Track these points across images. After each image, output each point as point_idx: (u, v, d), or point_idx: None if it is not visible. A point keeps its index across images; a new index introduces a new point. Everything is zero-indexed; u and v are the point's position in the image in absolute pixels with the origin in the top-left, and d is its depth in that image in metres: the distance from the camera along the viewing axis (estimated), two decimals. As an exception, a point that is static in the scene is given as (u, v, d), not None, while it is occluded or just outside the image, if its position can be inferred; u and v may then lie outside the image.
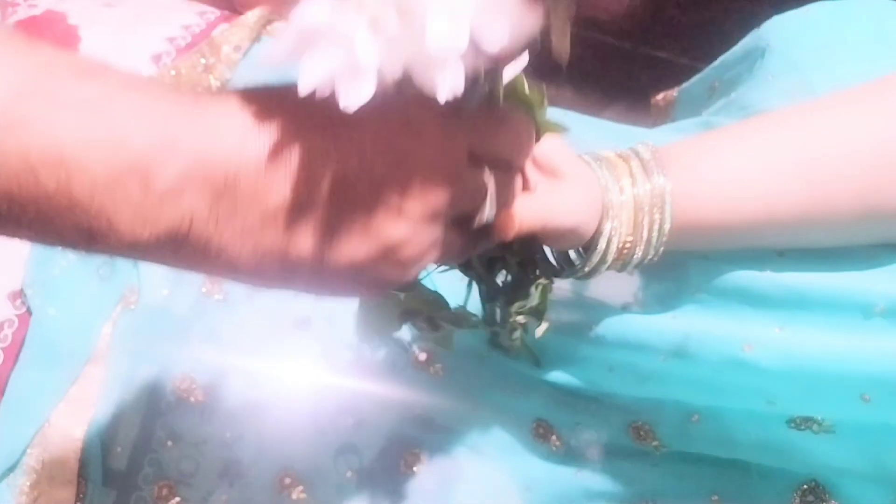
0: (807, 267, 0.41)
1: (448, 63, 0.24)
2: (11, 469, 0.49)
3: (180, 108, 0.27)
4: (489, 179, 0.31)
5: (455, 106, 0.26)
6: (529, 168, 0.35)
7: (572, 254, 0.42)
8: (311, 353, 0.52)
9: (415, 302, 0.40)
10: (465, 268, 0.41)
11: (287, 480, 0.50)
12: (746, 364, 0.40)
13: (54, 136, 0.24)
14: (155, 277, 0.53)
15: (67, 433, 0.50)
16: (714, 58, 0.62)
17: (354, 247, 0.28)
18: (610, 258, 0.40)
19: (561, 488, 0.49)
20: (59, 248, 0.27)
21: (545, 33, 0.31)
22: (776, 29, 0.54)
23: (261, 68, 0.32)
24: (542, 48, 0.33)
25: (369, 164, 0.27)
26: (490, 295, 0.42)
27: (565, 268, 0.42)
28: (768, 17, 0.55)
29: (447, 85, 0.25)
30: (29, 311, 0.52)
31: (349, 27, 0.24)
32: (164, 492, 0.49)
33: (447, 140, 0.29)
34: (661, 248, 0.40)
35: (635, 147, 0.41)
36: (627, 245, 0.40)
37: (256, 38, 0.63)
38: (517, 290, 0.41)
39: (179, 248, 0.27)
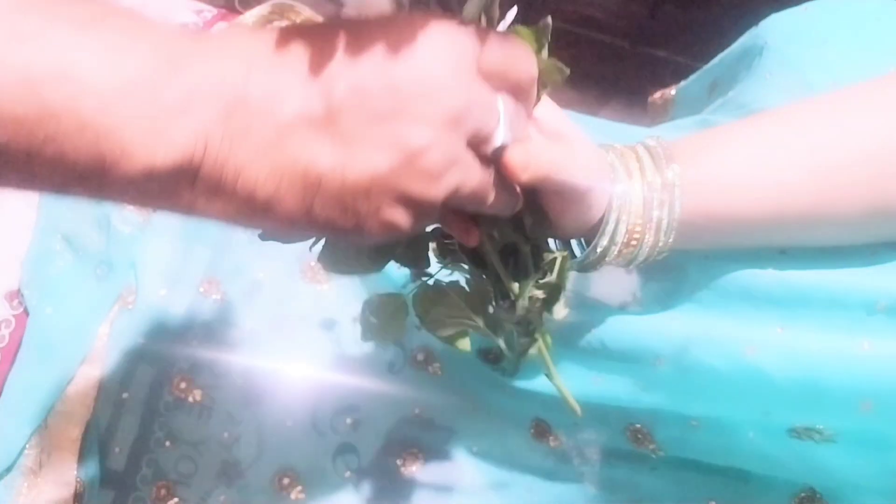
0: (808, 264, 0.41)
1: None
2: (9, 469, 0.49)
3: (183, 31, 0.27)
4: (500, 101, 0.31)
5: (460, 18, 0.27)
6: (533, 130, 0.35)
7: (577, 250, 0.42)
8: (311, 353, 0.52)
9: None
10: (476, 262, 0.40)
11: (286, 480, 0.50)
12: (749, 368, 0.40)
13: (55, 49, 0.24)
14: (152, 277, 0.53)
15: (65, 434, 0.50)
16: (712, 56, 0.62)
17: (376, 156, 0.28)
18: (619, 240, 0.39)
19: (559, 490, 0.49)
20: (73, 194, 0.26)
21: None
22: (774, 27, 0.54)
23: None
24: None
25: (382, 69, 0.27)
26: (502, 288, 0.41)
27: (575, 256, 0.42)
28: (766, 15, 0.55)
29: None
30: (26, 312, 0.52)
31: None
32: (163, 492, 0.49)
33: (456, 45, 0.29)
34: (671, 239, 0.40)
35: (643, 140, 0.41)
36: (637, 230, 0.39)
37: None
38: (534, 270, 0.40)
39: (195, 179, 0.27)
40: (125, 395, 0.51)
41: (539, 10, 0.35)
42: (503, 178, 0.33)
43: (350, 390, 0.51)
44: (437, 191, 0.29)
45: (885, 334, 0.39)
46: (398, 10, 0.32)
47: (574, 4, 1.20)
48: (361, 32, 0.28)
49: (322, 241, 0.39)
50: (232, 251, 0.54)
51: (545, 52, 0.34)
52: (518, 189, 0.35)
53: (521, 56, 0.31)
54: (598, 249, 0.40)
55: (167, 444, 0.50)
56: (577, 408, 0.41)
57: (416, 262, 0.41)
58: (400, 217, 0.30)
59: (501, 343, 0.42)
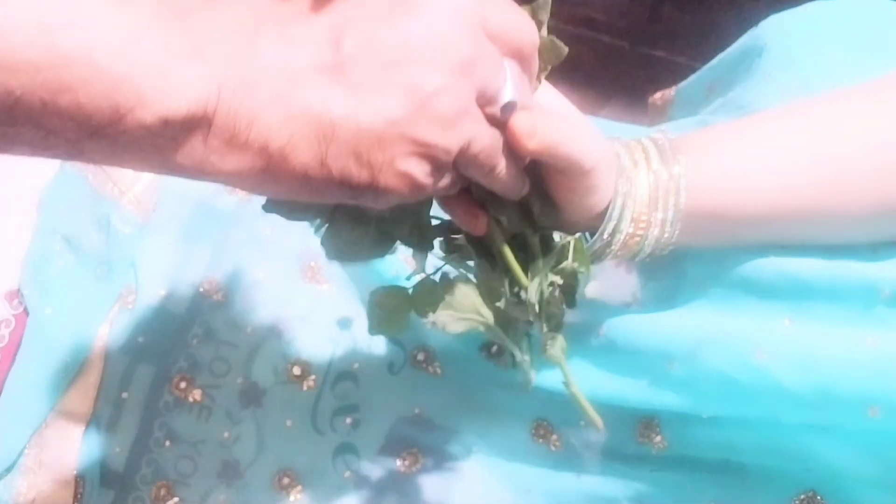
0: (811, 253, 0.41)
1: None
2: (9, 469, 0.49)
3: None
4: (505, 61, 0.32)
5: None
6: (538, 105, 0.35)
7: None
8: (310, 353, 0.52)
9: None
10: (481, 253, 0.40)
11: (285, 480, 0.50)
12: (758, 373, 0.40)
13: None
14: (152, 277, 0.53)
15: (65, 434, 0.50)
16: (711, 57, 0.62)
17: (388, 101, 0.28)
18: (624, 228, 0.39)
19: (560, 491, 0.49)
20: (86, 155, 0.26)
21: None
22: (773, 28, 0.54)
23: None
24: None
25: (390, 19, 0.28)
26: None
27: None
28: (765, 16, 0.55)
29: None
30: (26, 312, 0.52)
31: None
32: (163, 492, 0.49)
33: (462, 2, 0.30)
34: (676, 231, 0.40)
35: (649, 134, 0.41)
36: (643, 220, 0.39)
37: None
38: (546, 256, 0.40)
39: (210, 130, 0.27)
40: (125, 395, 0.50)
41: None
42: (511, 150, 0.33)
43: (350, 390, 0.51)
44: (450, 139, 0.30)
45: (889, 325, 0.39)
46: None
47: (574, 5, 1.20)
48: None
49: (324, 228, 0.38)
50: (232, 251, 0.54)
51: (545, 30, 0.35)
52: (524, 167, 0.35)
53: (524, 21, 0.32)
54: (605, 235, 0.39)
55: (167, 443, 0.50)
56: (599, 421, 0.41)
57: (422, 244, 0.40)
58: (415, 167, 0.30)
59: (516, 351, 0.42)
